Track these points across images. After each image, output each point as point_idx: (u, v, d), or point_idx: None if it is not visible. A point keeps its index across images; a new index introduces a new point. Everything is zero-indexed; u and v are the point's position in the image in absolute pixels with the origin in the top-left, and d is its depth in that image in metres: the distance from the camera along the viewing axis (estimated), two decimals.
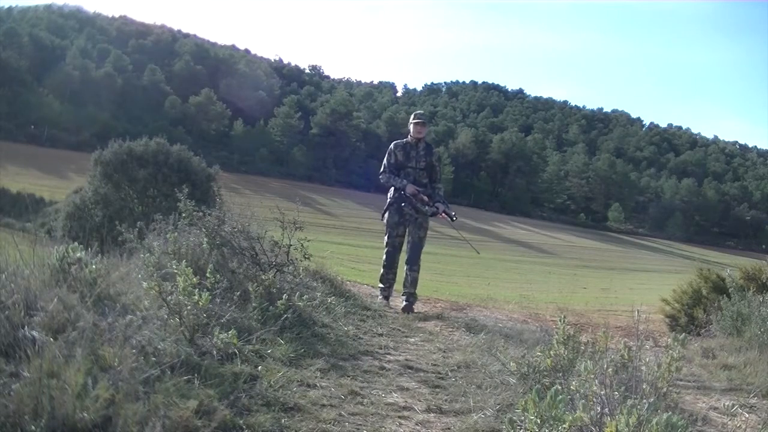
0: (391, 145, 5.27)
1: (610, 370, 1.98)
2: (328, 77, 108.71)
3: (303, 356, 2.81)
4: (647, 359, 2.28)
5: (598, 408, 1.85)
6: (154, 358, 2.03)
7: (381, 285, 5.27)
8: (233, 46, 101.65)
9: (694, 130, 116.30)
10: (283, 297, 3.20)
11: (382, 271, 5.24)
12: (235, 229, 3.75)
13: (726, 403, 2.77)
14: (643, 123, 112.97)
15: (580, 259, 46.97)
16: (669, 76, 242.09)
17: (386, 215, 5.19)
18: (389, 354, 3.33)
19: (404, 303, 4.99)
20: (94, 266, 2.43)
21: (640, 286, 25.16)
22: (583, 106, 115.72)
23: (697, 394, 3.15)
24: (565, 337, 2.51)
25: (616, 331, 6.03)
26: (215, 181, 9.50)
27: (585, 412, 1.75)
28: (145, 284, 2.58)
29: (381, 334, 3.83)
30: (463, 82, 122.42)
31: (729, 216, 79.61)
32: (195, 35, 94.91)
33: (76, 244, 2.51)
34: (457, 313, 5.57)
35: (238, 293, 3.23)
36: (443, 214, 5.13)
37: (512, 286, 20.11)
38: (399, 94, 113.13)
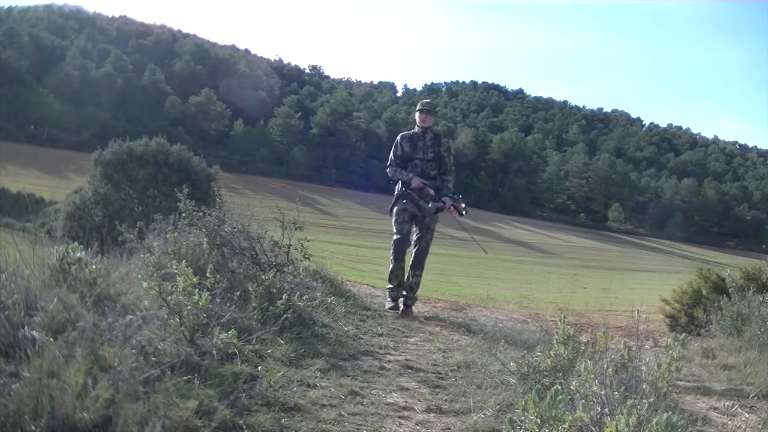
0: (398, 137, 5.03)
1: (610, 370, 1.98)
2: (328, 77, 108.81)
3: (303, 356, 2.81)
4: (647, 359, 2.28)
5: (598, 408, 1.85)
6: (154, 358, 2.03)
7: (390, 286, 4.92)
8: (233, 46, 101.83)
9: (694, 130, 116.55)
10: (283, 297, 3.20)
11: (391, 266, 4.88)
12: (235, 229, 3.75)
13: (726, 403, 2.77)
14: (643, 123, 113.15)
15: (580, 259, 46.97)
16: (669, 76, 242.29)
17: (395, 208, 4.91)
18: (389, 354, 3.33)
19: (402, 306, 4.85)
20: (94, 266, 2.43)
21: (640, 286, 25.15)
22: (583, 106, 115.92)
23: (697, 394, 3.15)
24: (565, 337, 2.51)
25: (616, 331, 6.03)
26: (215, 181, 9.51)
27: (585, 412, 1.75)
28: (145, 284, 2.58)
29: (381, 334, 3.83)
30: (463, 82, 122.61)
31: (729, 216, 79.59)
32: (195, 35, 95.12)
33: (76, 244, 2.51)
34: (457, 313, 5.57)
35: (238, 293, 3.23)
36: (451, 208, 4.80)
37: (512, 286, 20.11)
38: (399, 94, 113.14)
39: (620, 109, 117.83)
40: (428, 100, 5.26)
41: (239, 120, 70.87)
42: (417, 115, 5.03)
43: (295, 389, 2.38)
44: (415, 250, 4.89)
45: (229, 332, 2.41)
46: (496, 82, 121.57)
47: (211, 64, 78.76)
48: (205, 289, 2.59)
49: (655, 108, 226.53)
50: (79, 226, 8.20)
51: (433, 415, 2.42)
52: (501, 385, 2.72)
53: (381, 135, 70.98)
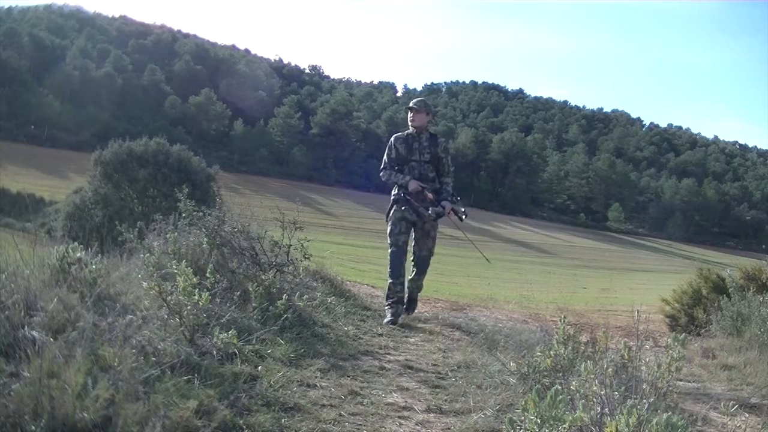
0: (391, 139, 4.67)
1: (610, 370, 1.98)
2: (328, 77, 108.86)
3: (303, 356, 2.81)
4: (647, 359, 2.28)
5: (598, 408, 1.85)
6: (154, 358, 2.03)
7: (387, 302, 4.47)
8: (233, 46, 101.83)
9: (694, 130, 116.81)
10: (283, 297, 3.20)
11: (388, 282, 4.51)
12: (235, 229, 3.75)
13: (726, 403, 2.77)
14: (643, 123, 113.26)
15: (580, 259, 46.98)
16: (669, 76, 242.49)
17: (391, 213, 4.59)
18: (389, 354, 3.33)
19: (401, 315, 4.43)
20: (94, 266, 2.43)
21: (640, 286, 25.15)
22: (583, 106, 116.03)
23: (697, 394, 3.15)
24: (565, 337, 2.51)
25: (616, 331, 6.03)
26: (215, 181, 9.52)
27: (585, 412, 1.75)
28: (145, 284, 2.58)
29: (381, 334, 3.83)
30: (463, 82, 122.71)
31: (729, 216, 79.61)
32: (195, 35, 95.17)
33: (76, 244, 2.51)
34: (457, 313, 5.57)
35: (238, 293, 3.23)
36: (451, 213, 4.48)
37: (512, 286, 20.13)
38: (399, 94, 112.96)
39: (620, 109, 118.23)
40: (421, 98, 4.86)
41: (239, 120, 70.88)
42: (408, 115, 4.71)
43: (295, 389, 2.38)
44: (416, 258, 4.59)
45: (229, 332, 2.41)
46: (496, 82, 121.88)
47: (211, 64, 78.79)
48: (205, 289, 2.58)
49: (655, 108, 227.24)
50: (79, 226, 8.22)
51: (433, 415, 2.41)
52: (501, 385, 2.72)
53: (381, 135, 70.88)
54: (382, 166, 4.68)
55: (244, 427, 1.92)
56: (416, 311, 4.96)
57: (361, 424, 2.19)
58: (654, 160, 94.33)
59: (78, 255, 2.43)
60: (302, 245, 3.79)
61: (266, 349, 2.71)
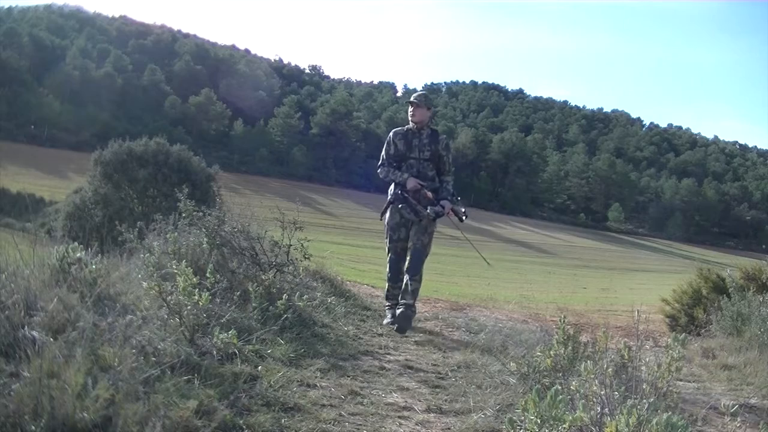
0: (390, 134, 4.50)
1: (610, 370, 1.98)
2: (328, 77, 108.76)
3: (303, 356, 2.81)
4: (647, 359, 2.28)
5: (598, 408, 1.85)
6: (154, 358, 2.03)
7: (387, 304, 4.48)
8: (233, 46, 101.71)
9: (694, 130, 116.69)
10: (283, 297, 3.20)
11: (387, 285, 4.51)
12: (235, 229, 3.75)
13: (726, 403, 2.77)
14: (643, 123, 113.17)
15: (580, 259, 46.97)
16: (669, 76, 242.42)
17: (386, 215, 4.45)
18: (389, 354, 3.33)
19: (399, 310, 4.16)
20: (94, 266, 2.43)
21: (640, 286, 25.15)
22: (583, 106, 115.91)
23: (697, 394, 3.15)
24: (565, 337, 2.51)
25: (616, 331, 6.02)
26: (215, 181, 9.53)
27: (585, 412, 1.75)
28: (145, 284, 2.58)
29: (381, 334, 3.83)
30: (463, 82, 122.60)
31: (729, 216, 79.57)
32: (195, 35, 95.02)
33: (76, 244, 2.51)
34: (457, 313, 5.56)
35: (238, 293, 3.23)
36: (451, 213, 4.31)
37: (512, 286, 20.12)
38: (399, 94, 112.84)
39: (620, 109, 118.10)
40: (422, 92, 4.66)
41: (239, 120, 70.85)
42: (409, 109, 4.53)
43: (295, 389, 2.38)
44: (410, 252, 4.36)
45: (229, 332, 2.41)
46: (496, 82, 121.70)
47: (211, 64, 78.74)
48: (205, 289, 2.59)
49: (655, 108, 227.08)
50: (79, 226, 8.22)
51: (433, 415, 2.42)
52: (501, 385, 2.72)
53: (381, 135, 70.58)
54: (380, 162, 4.53)
55: (244, 427, 1.92)
56: (416, 312, 4.90)
57: (361, 424, 2.19)
58: (654, 160, 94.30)
59: (78, 255, 2.43)
60: (302, 245, 3.78)
61: (266, 349, 2.71)
